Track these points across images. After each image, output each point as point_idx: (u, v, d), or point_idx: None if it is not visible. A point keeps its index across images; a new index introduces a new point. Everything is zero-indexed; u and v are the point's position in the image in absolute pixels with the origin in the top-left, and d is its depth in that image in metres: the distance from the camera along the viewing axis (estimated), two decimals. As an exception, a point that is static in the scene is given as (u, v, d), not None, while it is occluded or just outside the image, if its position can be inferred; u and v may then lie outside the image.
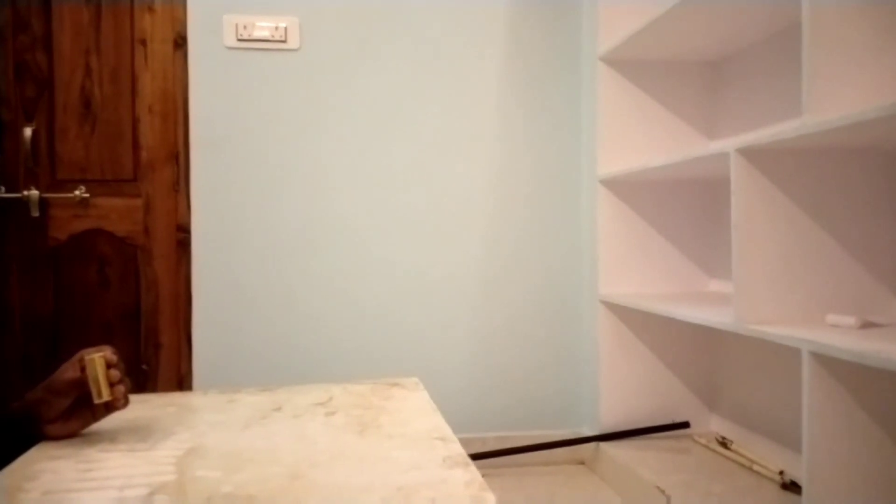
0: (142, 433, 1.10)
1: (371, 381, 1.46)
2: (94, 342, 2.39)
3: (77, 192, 2.38)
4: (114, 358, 1.04)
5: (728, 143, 1.72)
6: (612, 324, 2.41)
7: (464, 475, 0.95)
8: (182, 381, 2.42)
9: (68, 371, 1.04)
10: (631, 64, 2.39)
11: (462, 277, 2.58)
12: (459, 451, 1.04)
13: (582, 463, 2.49)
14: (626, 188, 2.41)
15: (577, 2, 2.61)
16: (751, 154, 1.68)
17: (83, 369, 1.04)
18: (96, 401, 1.02)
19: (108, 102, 2.42)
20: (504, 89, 2.58)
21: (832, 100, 1.48)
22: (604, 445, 2.35)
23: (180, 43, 2.43)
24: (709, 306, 2.02)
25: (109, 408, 1.05)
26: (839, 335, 1.47)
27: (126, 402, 1.05)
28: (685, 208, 2.45)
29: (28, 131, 2.34)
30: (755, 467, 2.08)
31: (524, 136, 2.60)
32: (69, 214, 2.39)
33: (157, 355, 2.44)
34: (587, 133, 2.58)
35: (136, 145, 2.43)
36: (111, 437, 1.07)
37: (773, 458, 2.11)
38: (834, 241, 1.71)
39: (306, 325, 2.47)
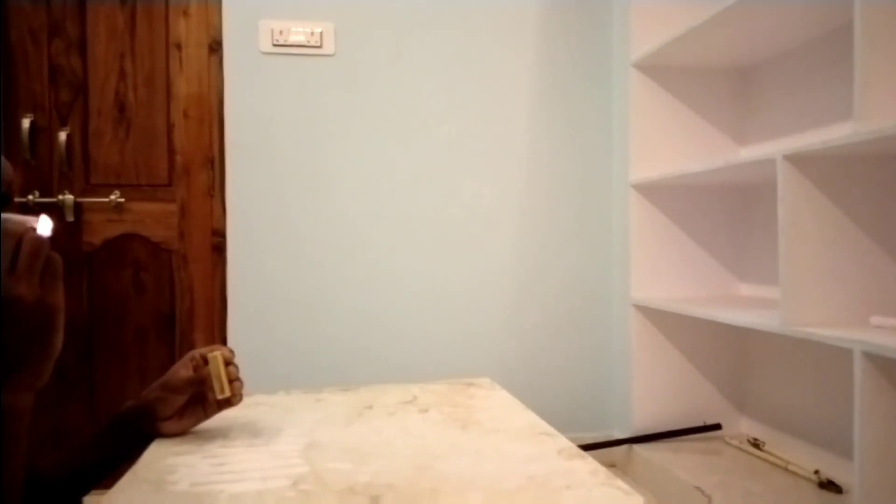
0: (251, 430, 1.11)
1: (446, 380, 1.47)
2: (129, 348, 2.39)
3: (112, 197, 2.38)
4: (230, 355, 1.05)
5: (774, 150, 1.76)
6: (644, 327, 2.44)
7: (585, 465, 0.97)
8: (217, 387, 2.41)
9: (181, 370, 1.05)
10: (663, 70, 2.44)
11: (493, 282, 2.60)
12: (570, 445, 1.06)
13: (613, 465, 2.51)
14: (657, 193, 2.45)
15: (607, 9, 2.66)
16: (798, 160, 1.72)
17: (196, 368, 1.05)
18: (218, 396, 1.03)
19: (142, 107, 2.41)
20: (535, 95, 2.62)
21: (884, 107, 1.52)
22: (637, 448, 2.38)
23: (215, 47, 2.44)
24: (748, 309, 2.06)
25: (224, 404, 1.06)
26: (889, 336, 1.51)
27: (240, 399, 1.06)
28: (715, 213, 2.49)
29: (62, 136, 2.33)
30: (790, 467, 2.12)
31: (555, 141, 2.63)
32: (104, 219, 2.38)
33: (193, 360, 2.43)
34: (618, 138, 2.62)
35: (170, 150, 2.43)
36: (223, 435, 1.08)
37: (805, 459, 2.15)
38: (877, 246, 1.76)
39: (340, 329, 2.48)
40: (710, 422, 2.45)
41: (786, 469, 2.13)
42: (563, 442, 1.07)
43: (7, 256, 0.67)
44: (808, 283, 1.74)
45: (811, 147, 1.64)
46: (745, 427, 2.47)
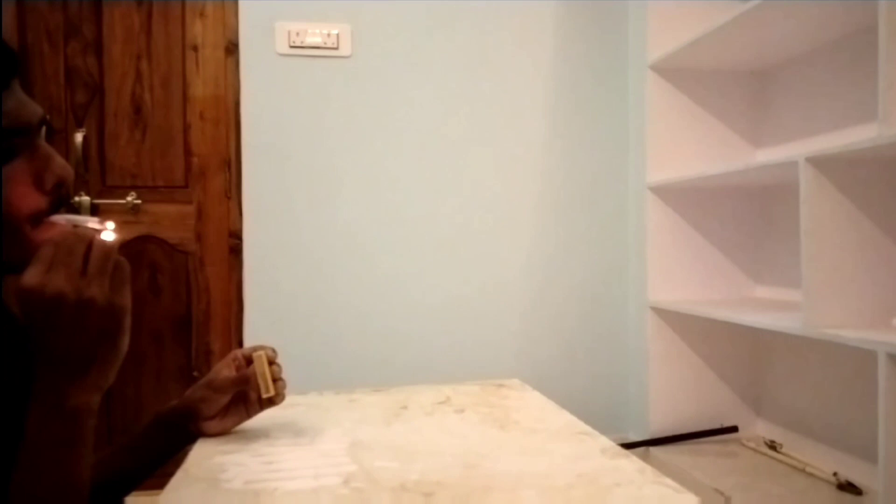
0: (292, 430, 1.11)
1: (476, 381, 1.47)
2: (146, 349, 2.39)
3: (128, 199, 2.38)
4: (273, 355, 1.05)
5: (793, 152, 1.76)
6: (661, 330, 2.44)
7: (631, 464, 0.97)
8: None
9: (224, 370, 1.05)
10: (679, 72, 2.44)
11: (509, 284, 2.60)
12: (612, 444, 1.06)
13: (629, 468, 2.51)
14: (674, 195, 2.45)
15: (623, 11, 2.67)
16: (820, 162, 1.72)
17: (238, 368, 1.05)
18: (263, 395, 1.03)
19: (158, 108, 2.41)
20: (551, 97, 2.62)
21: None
22: (654, 450, 2.38)
23: (232, 49, 2.44)
24: (767, 312, 2.06)
25: (267, 403, 1.06)
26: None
27: (283, 399, 1.06)
28: (731, 215, 2.49)
29: (79, 137, 2.33)
30: (808, 469, 2.12)
31: (571, 143, 2.64)
32: (120, 221, 2.36)
33: (209, 362, 2.43)
34: (634, 140, 2.63)
35: (187, 152, 2.43)
36: (266, 434, 1.08)
37: (823, 460, 2.15)
38: (898, 248, 1.76)
39: (357, 331, 2.48)
40: (726, 424, 2.45)
41: (804, 471, 2.13)
42: (605, 441, 1.07)
43: (79, 259, 0.68)
44: (831, 285, 1.74)
45: (834, 149, 1.64)
46: (762, 429, 2.47)
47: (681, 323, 2.45)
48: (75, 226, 0.74)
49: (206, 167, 2.44)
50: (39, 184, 0.74)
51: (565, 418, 1.21)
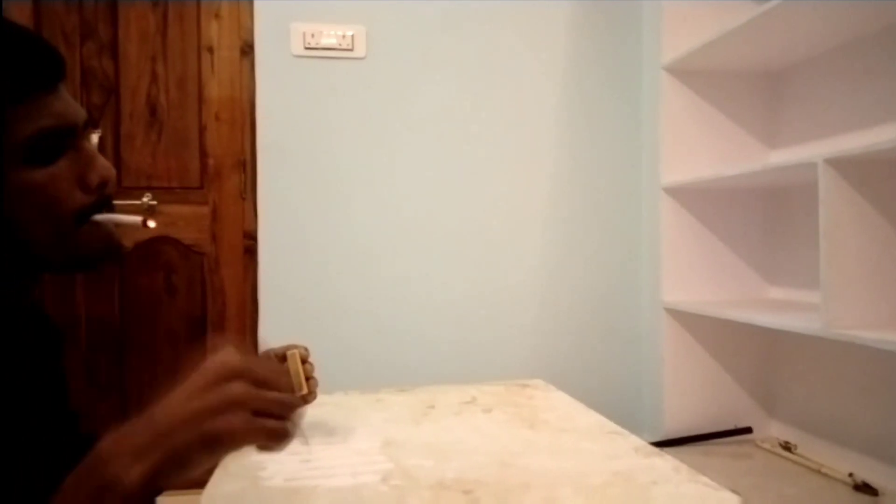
0: (324, 429, 1.11)
1: (500, 382, 1.48)
2: (160, 350, 2.39)
3: (144, 200, 2.37)
4: (306, 353, 1.06)
5: (810, 154, 1.76)
6: (675, 331, 2.44)
7: (665, 463, 0.98)
8: (248, 389, 2.41)
9: None
10: (693, 74, 2.44)
11: (522, 285, 2.60)
12: (644, 443, 1.07)
13: (642, 469, 2.51)
14: (688, 196, 2.45)
15: (636, 12, 2.67)
16: (839, 164, 1.72)
17: None
18: (297, 393, 1.03)
19: (174, 109, 2.42)
20: (564, 98, 2.62)
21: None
22: (668, 451, 2.37)
23: (247, 50, 2.44)
24: (783, 313, 2.06)
25: (299, 402, 1.06)
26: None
27: (315, 397, 1.07)
28: (745, 216, 2.50)
29: (94, 138, 2.32)
30: (823, 470, 2.12)
31: (584, 144, 2.64)
32: (135, 221, 2.38)
33: (224, 363, 2.43)
34: (648, 141, 2.63)
35: (202, 153, 2.43)
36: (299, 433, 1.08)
37: (838, 461, 2.14)
38: (916, 249, 1.77)
39: (371, 331, 2.48)
40: (740, 425, 2.45)
41: (819, 472, 2.13)
42: (636, 440, 1.08)
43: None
44: (849, 286, 1.74)
45: (853, 151, 1.64)
46: (776, 430, 2.47)
47: (694, 324, 2.45)
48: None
49: (221, 168, 2.44)
50: (84, 183, 0.75)
51: (594, 418, 1.21)
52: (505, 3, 2.56)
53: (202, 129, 2.43)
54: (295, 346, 1.06)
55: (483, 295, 2.58)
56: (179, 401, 0.65)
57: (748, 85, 2.49)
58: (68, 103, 0.74)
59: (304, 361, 1.05)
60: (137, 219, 0.84)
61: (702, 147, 2.45)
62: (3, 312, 0.80)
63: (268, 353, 1.08)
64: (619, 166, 2.67)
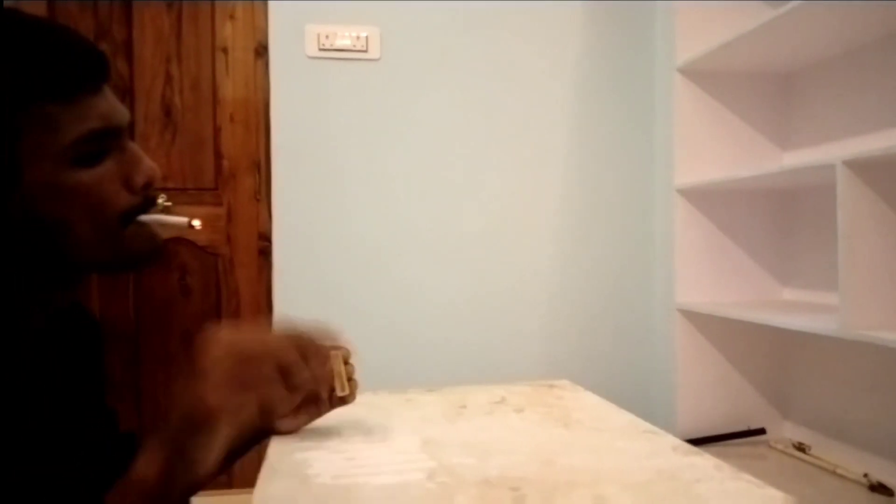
0: (360, 428, 1.11)
1: (527, 382, 1.48)
2: (175, 352, 2.39)
3: (159, 201, 2.37)
4: (348, 354, 1.06)
5: (827, 155, 1.77)
6: (689, 332, 2.45)
7: (706, 462, 0.98)
8: (262, 390, 2.41)
9: None
10: (706, 75, 2.45)
11: (533, 287, 2.61)
12: (681, 442, 1.07)
13: (656, 470, 2.52)
14: (701, 197, 2.46)
15: (650, 13, 2.68)
16: (858, 166, 1.73)
17: None
18: (339, 394, 1.04)
19: (188, 111, 2.42)
20: (577, 99, 2.63)
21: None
22: (681, 452, 2.38)
23: (261, 52, 2.45)
24: (798, 314, 2.07)
25: (339, 402, 1.07)
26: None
27: (354, 398, 1.07)
28: (758, 217, 2.50)
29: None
30: (839, 470, 2.13)
31: (596, 146, 2.65)
32: (150, 223, 2.38)
33: (238, 364, 2.43)
34: (661, 143, 2.64)
35: (217, 154, 2.43)
36: (336, 432, 1.08)
37: (852, 462, 2.15)
38: (935, 250, 1.77)
39: (387, 333, 2.48)
40: (753, 426, 2.46)
41: (834, 472, 2.13)
42: (673, 439, 1.08)
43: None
44: (868, 287, 1.75)
45: (872, 153, 1.65)
46: (789, 431, 2.48)
47: (708, 325, 2.46)
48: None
49: (235, 169, 2.44)
50: (129, 184, 0.75)
51: (627, 417, 1.21)
52: (518, 5, 2.57)
53: (217, 131, 2.43)
54: (337, 347, 1.06)
55: (495, 296, 2.58)
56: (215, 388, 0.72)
57: (761, 86, 2.50)
58: (113, 104, 0.74)
59: (345, 362, 1.06)
60: (183, 219, 0.84)
61: (714, 148, 2.46)
62: (48, 312, 0.80)
63: None
64: (631, 168, 2.68)
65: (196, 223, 0.84)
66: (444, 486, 0.86)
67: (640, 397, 2.68)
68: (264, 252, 2.44)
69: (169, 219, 0.81)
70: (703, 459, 0.99)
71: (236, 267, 2.44)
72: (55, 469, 0.68)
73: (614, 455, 0.99)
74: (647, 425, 1.15)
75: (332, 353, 1.04)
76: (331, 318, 2.38)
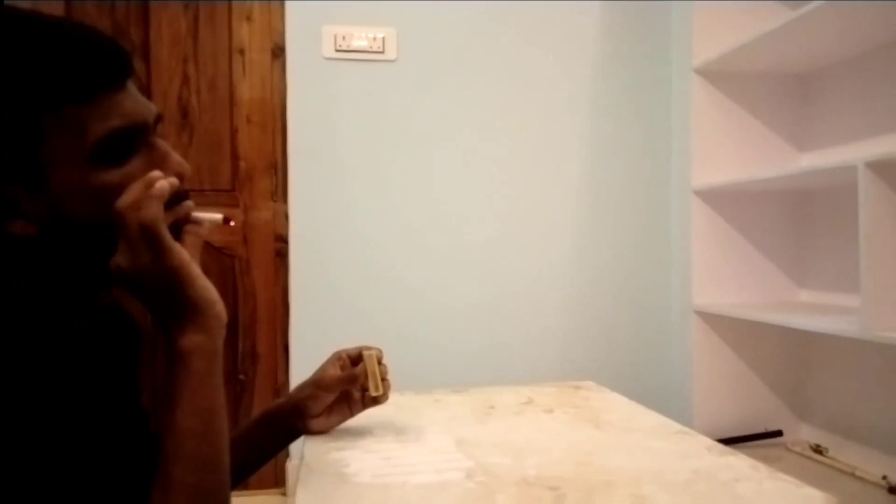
0: (392, 428, 1.11)
1: (552, 384, 1.48)
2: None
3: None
4: (381, 354, 1.06)
5: (844, 157, 1.77)
6: (705, 333, 2.44)
7: (741, 462, 0.98)
8: (279, 392, 2.41)
9: (330, 369, 1.06)
10: (723, 76, 2.44)
11: (550, 288, 2.61)
12: (715, 443, 1.07)
13: (673, 472, 2.51)
14: (718, 199, 2.45)
15: (666, 14, 2.68)
16: (880, 167, 1.72)
17: (342, 367, 1.06)
18: (373, 394, 1.04)
19: (205, 112, 2.42)
20: (593, 101, 2.63)
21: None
22: (698, 454, 2.37)
23: (278, 53, 2.45)
24: (816, 315, 2.06)
25: (371, 403, 1.07)
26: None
27: (387, 398, 1.07)
28: (775, 219, 2.50)
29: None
30: (857, 473, 2.12)
31: (613, 147, 2.65)
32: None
33: (255, 365, 2.43)
34: (678, 144, 2.63)
35: (234, 155, 2.44)
36: (369, 432, 1.08)
37: (870, 464, 2.14)
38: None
39: (404, 334, 2.48)
40: (770, 428, 2.45)
41: (852, 475, 2.13)
42: (706, 440, 1.08)
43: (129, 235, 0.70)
44: (889, 289, 1.74)
45: (895, 154, 1.65)
46: (806, 433, 2.47)
47: (725, 327, 2.45)
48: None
49: (252, 171, 2.44)
50: None
51: (657, 418, 1.21)
52: (534, 6, 2.57)
53: (233, 132, 2.44)
54: (369, 348, 1.06)
55: (512, 298, 2.58)
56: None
57: (778, 87, 2.49)
58: (138, 100, 0.73)
59: (378, 362, 1.06)
60: (218, 216, 0.84)
61: (731, 149, 2.46)
62: (90, 314, 0.80)
63: (339, 354, 1.08)
64: (648, 169, 2.68)
65: (232, 222, 0.84)
66: (483, 486, 0.86)
67: (657, 399, 2.66)
68: (281, 254, 2.44)
69: (203, 215, 0.80)
70: (739, 459, 0.99)
71: (253, 268, 2.44)
72: (94, 469, 0.68)
73: (649, 455, 0.99)
74: (679, 426, 1.15)
75: (366, 353, 1.04)
76: (347, 319, 2.39)
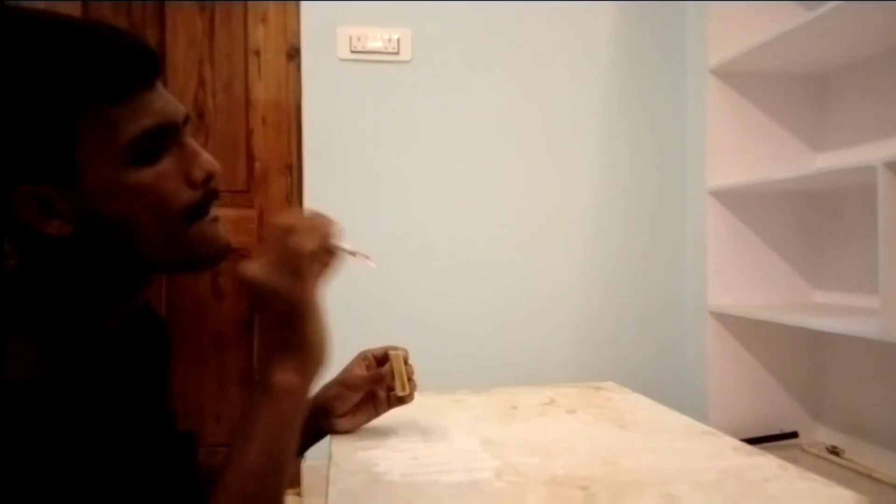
0: (416, 428, 1.11)
1: (572, 384, 1.48)
2: (207, 353, 2.39)
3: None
4: (407, 355, 1.07)
5: (872, 157, 1.76)
6: (721, 334, 2.44)
7: (769, 462, 0.98)
8: (293, 391, 2.41)
9: (356, 369, 1.06)
10: (739, 76, 2.44)
11: (564, 289, 2.60)
12: (742, 443, 1.07)
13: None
14: (734, 199, 2.45)
15: (681, 14, 2.67)
16: (900, 167, 1.72)
17: (368, 367, 1.07)
18: (399, 394, 1.04)
19: (221, 113, 2.43)
20: (608, 101, 2.63)
21: None
22: (714, 455, 2.37)
23: (293, 54, 2.45)
24: (834, 316, 2.06)
25: (397, 402, 1.07)
26: None
27: (413, 398, 1.07)
28: (791, 219, 2.49)
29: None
30: (874, 474, 2.11)
31: (628, 147, 2.64)
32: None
33: (270, 366, 2.43)
34: (693, 144, 2.63)
35: (249, 156, 2.44)
36: (394, 432, 1.08)
37: (887, 465, 2.14)
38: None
39: (419, 334, 2.47)
40: (786, 430, 2.45)
41: (869, 476, 2.12)
42: (733, 440, 1.08)
43: (276, 250, 0.72)
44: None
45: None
46: (821, 435, 2.46)
47: (740, 328, 2.44)
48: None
49: (267, 172, 2.45)
50: (189, 179, 0.75)
51: (681, 419, 1.21)
52: (549, 6, 2.57)
53: (249, 133, 2.44)
54: (395, 348, 1.07)
55: (526, 299, 2.58)
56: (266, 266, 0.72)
57: (794, 87, 2.49)
58: (168, 100, 0.74)
59: (404, 362, 1.06)
60: (366, 256, 0.85)
61: (747, 150, 2.45)
62: (122, 315, 0.80)
63: (365, 354, 1.08)
64: (663, 170, 2.67)
65: (373, 264, 0.84)
66: (513, 485, 0.86)
67: (672, 400, 2.64)
68: (296, 254, 2.44)
69: (348, 247, 0.81)
70: (767, 460, 0.99)
71: (268, 268, 2.44)
72: (126, 472, 0.69)
73: (677, 455, 0.99)
74: (704, 426, 1.15)
75: (392, 353, 1.05)
76: (363, 321, 2.39)
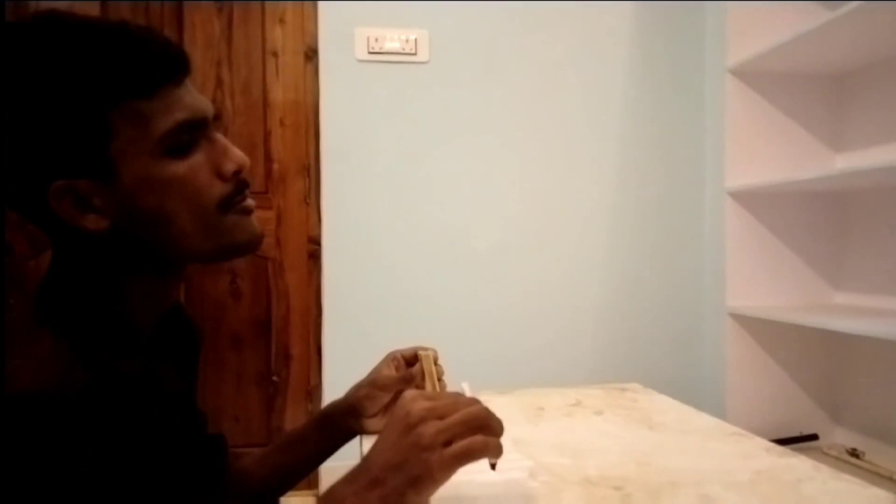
0: (444, 428, 1.11)
1: (597, 385, 1.47)
2: (225, 354, 2.40)
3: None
4: (436, 355, 1.07)
5: (882, 158, 1.75)
6: (740, 336, 2.42)
7: (802, 462, 0.97)
8: (312, 393, 2.42)
9: (385, 369, 1.06)
10: (758, 76, 2.43)
11: (583, 289, 2.60)
12: (773, 444, 1.06)
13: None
14: (752, 200, 2.44)
15: (700, 14, 2.66)
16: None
17: (397, 368, 1.07)
18: None
19: (239, 115, 2.44)
20: (626, 101, 2.62)
21: None
22: (733, 457, 2.35)
23: (311, 55, 2.46)
24: (854, 318, 2.05)
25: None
26: None
27: (443, 397, 1.07)
28: (810, 220, 2.47)
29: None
30: (895, 477, 2.10)
31: (647, 148, 2.64)
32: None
33: (288, 367, 2.44)
34: (712, 144, 2.62)
35: (267, 158, 2.45)
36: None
37: (907, 469, 2.12)
38: None
39: (437, 335, 2.47)
40: (805, 432, 2.43)
41: (891, 479, 2.10)
42: (764, 441, 1.07)
43: (454, 425, 0.68)
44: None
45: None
46: (841, 437, 2.44)
47: (759, 329, 2.43)
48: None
49: (285, 173, 2.45)
50: (220, 172, 0.76)
51: (710, 420, 1.21)
52: (567, 6, 2.57)
53: (267, 134, 2.45)
54: (425, 348, 1.06)
55: (544, 300, 2.57)
56: (383, 451, 0.68)
57: (813, 87, 2.47)
58: (197, 97, 0.75)
59: (434, 362, 1.06)
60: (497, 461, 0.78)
61: (766, 150, 2.44)
62: (156, 316, 0.81)
63: (394, 355, 1.08)
64: (682, 170, 2.66)
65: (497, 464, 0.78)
66: (548, 485, 0.85)
67: (691, 401, 2.64)
68: (314, 255, 2.45)
69: (501, 465, 0.76)
70: (800, 461, 0.98)
71: (286, 270, 2.45)
72: (161, 476, 0.68)
73: (709, 456, 0.98)
74: (734, 427, 1.14)
75: (422, 353, 1.04)
76: (380, 321, 2.39)
